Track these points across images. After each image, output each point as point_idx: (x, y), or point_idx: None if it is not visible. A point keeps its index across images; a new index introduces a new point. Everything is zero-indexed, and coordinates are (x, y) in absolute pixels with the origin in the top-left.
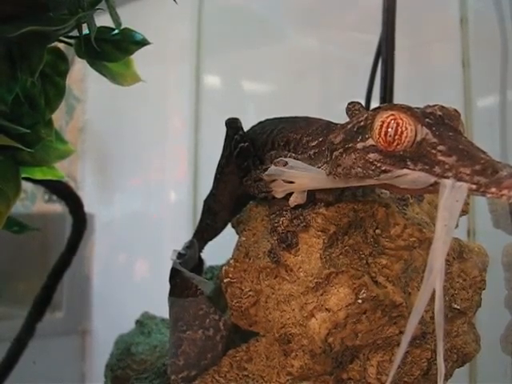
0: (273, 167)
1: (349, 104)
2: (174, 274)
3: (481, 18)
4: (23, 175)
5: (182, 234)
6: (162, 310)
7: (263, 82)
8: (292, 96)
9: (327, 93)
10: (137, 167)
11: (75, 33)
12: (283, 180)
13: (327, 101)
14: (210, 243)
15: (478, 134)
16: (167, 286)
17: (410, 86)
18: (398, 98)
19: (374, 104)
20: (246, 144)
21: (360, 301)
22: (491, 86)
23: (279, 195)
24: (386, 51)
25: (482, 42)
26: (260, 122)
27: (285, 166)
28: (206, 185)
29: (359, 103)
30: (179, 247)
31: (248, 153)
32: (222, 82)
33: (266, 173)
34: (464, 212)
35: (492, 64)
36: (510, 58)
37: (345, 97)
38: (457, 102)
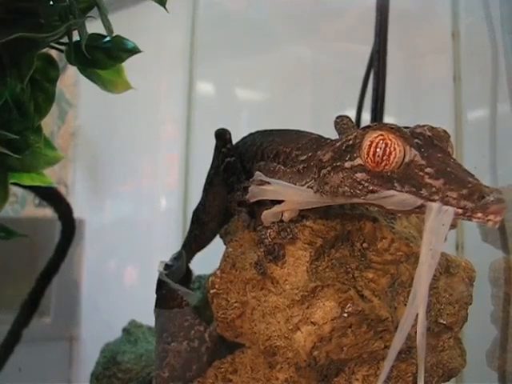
0: (253, 188)
1: (337, 118)
2: (160, 286)
3: (472, 32)
4: (11, 181)
5: (172, 241)
6: (151, 317)
7: (256, 90)
8: (285, 104)
9: (320, 102)
10: (128, 173)
11: (67, 39)
12: (267, 199)
13: (320, 110)
14: (200, 252)
15: (468, 147)
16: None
17: (401, 98)
18: (389, 110)
19: (365, 116)
20: (233, 159)
21: (346, 315)
22: (482, 100)
23: (271, 220)
24: (377, 63)
25: (473, 56)
26: (251, 134)
27: (263, 185)
28: (197, 192)
29: (347, 117)
30: (169, 254)
31: (234, 168)
32: (215, 89)
33: (248, 195)
34: (453, 226)
35: (483, 78)
36: (500, 72)
37: (338, 106)
38: (447, 115)
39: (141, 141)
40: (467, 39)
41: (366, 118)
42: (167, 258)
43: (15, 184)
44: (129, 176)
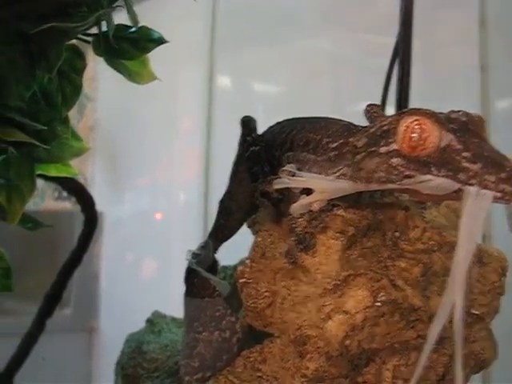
0: (283, 178)
1: (367, 106)
2: (191, 274)
3: (501, 20)
4: (38, 172)
5: (191, 234)
6: (169, 309)
7: (276, 82)
8: (305, 97)
9: (339, 94)
10: (147, 166)
11: (91, 30)
12: (295, 189)
13: (339, 102)
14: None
15: (495, 138)
16: (174, 286)
17: (426, 88)
18: (414, 100)
19: (389, 107)
20: (258, 148)
21: (378, 304)
22: (510, 90)
23: (300, 212)
24: (402, 53)
25: (501, 45)
26: (278, 122)
27: (293, 175)
28: (218, 185)
29: (378, 105)
30: (188, 247)
31: (258, 158)
32: (236, 82)
33: (275, 183)
34: None
35: (511, 68)
36: None
37: (356, 99)
38: (474, 106)
39: (159, 134)
40: (495, 28)
41: (390, 109)
42: (185, 251)
43: (40, 176)
44: (147, 169)
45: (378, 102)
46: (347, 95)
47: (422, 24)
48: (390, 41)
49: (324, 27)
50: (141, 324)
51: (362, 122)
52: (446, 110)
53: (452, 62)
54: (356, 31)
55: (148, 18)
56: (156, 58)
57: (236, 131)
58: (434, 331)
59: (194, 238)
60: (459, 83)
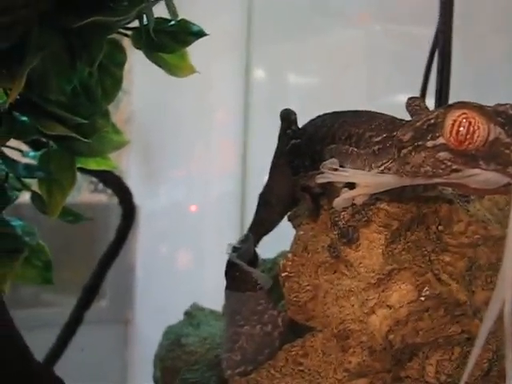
0: (326, 173)
1: (409, 99)
2: (232, 268)
3: None
4: (78, 165)
5: (226, 227)
6: (204, 301)
7: (312, 74)
8: (340, 89)
9: (374, 86)
10: (182, 159)
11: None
12: (337, 183)
13: (374, 94)
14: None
15: None
16: (209, 278)
17: (466, 80)
18: (454, 92)
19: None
20: (298, 141)
21: (423, 298)
22: None
23: (342, 206)
24: (442, 43)
25: None
26: (319, 116)
27: (335, 169)
28: (254, 178)
29: (420, 99)
30: (223, 239)
31: (299, 151)
32: (271, 73)
33: (319, 176)
34: None
35: None
36: None
37: (392, 91)
38: None
39: (195, 126)
40: None
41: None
42: (220, 243)
43: (80, 169)
44: (183, 161)
45: (413, 94)
46: (383, 87)
47: (463, 13)
48: (426, 31)
49: (359, 18)
50: (175, 316)
51: (397, 114)
52: (487, 102)
53: (493, 52)
54: (392, 22)
55: (184, 9)
56: (191, 49)
57: (272, 123)
58: (485, 327)
59: (230, 231)
60: (500, 74)
